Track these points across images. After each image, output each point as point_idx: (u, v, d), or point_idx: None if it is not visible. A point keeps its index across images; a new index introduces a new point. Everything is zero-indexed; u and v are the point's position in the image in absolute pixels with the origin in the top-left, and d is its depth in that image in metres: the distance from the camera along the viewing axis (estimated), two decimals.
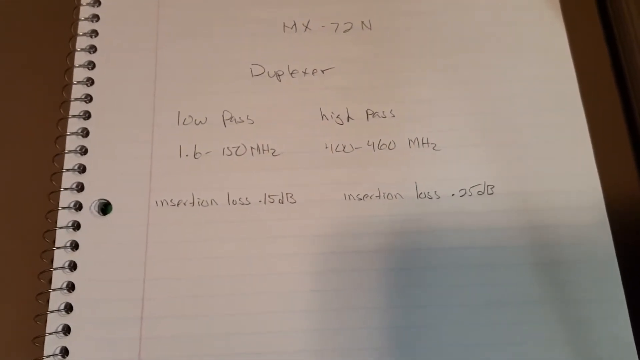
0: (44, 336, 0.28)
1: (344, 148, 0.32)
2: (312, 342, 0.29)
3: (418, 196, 0.31)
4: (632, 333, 0.28)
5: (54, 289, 0.29)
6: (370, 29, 0.34)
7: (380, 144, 0.32)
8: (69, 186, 0.31)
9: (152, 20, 0.34)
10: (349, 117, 0.32)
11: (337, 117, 0.32)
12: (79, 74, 0.33)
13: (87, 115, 0.32)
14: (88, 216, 0.30)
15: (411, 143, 0.32)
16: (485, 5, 0.35)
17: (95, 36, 0.34)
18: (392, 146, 0.32)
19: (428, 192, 0.31)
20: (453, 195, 0.31)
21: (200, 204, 0.31)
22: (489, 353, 0.28)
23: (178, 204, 0.31)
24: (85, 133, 0.32)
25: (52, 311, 0.29)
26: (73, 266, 0.30)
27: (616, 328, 0.28)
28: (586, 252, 0.30)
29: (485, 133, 0.32)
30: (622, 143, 0.32)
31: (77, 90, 0.33)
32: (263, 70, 0.33)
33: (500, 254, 0.30)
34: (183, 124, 0.32)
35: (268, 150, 0.32)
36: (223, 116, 0.32)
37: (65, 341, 0.29)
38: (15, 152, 0.32)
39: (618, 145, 0.32)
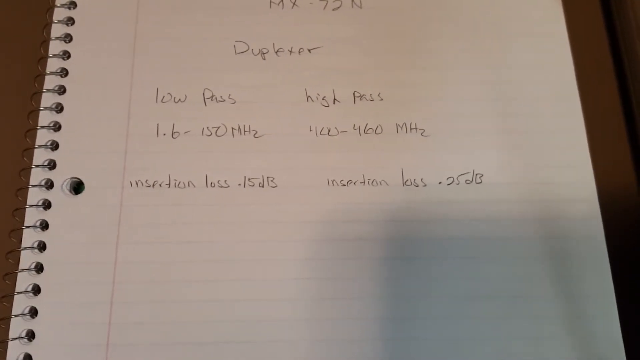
0: (10, 318, 0.28)
1: (329, 131, 0.31)
2: (289, 331, 0.28)
3: (404, 183, 0.30)
4: (621, 328, 0.28)
5: (22, 270, 0.28)
6: (361, 7, 0.33)
7: (367, 128, 0.31)
8: (40, 163, 0.30)
9: None
10: (335, 99, 0.31)
11: (322, 99, 0.31)
12: (55, 46, 0.32)
13: (62, 90, 0.31)
14: (59, 195, 0.29)
15: (399, 128, 0.31)
16: None
17: (74, 8, 0.33)
18: (379, 131, 0.31)
19: (414, 180, 0.30)
20: (440, 183, 0.30)
21: (176, 185, 0.30)
22: (476, 347, 0.28)
23: (153, 185, 0.30)
24: (59, 108, 0.31)
25: (19, 292, 0.28)
26: (42, 246, 0.29)
27: (605, 323, 0.28)
28: (577, 246, 0.29)
29: (476, 120, 0.31)
30: (618, 135, 0.31)
31: (53, 64, 0.32)
32: (247, 48, 0.32)
33: (488, 246, 0.29)
34: (161, 101, 0.31)
35: (250, 132, 0.31)
36: (204, 94, 0.31)
37: (32, 324, 0.28)
38: None
39: (614, 137, 0.31)
